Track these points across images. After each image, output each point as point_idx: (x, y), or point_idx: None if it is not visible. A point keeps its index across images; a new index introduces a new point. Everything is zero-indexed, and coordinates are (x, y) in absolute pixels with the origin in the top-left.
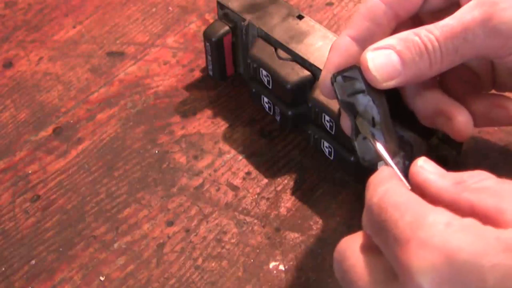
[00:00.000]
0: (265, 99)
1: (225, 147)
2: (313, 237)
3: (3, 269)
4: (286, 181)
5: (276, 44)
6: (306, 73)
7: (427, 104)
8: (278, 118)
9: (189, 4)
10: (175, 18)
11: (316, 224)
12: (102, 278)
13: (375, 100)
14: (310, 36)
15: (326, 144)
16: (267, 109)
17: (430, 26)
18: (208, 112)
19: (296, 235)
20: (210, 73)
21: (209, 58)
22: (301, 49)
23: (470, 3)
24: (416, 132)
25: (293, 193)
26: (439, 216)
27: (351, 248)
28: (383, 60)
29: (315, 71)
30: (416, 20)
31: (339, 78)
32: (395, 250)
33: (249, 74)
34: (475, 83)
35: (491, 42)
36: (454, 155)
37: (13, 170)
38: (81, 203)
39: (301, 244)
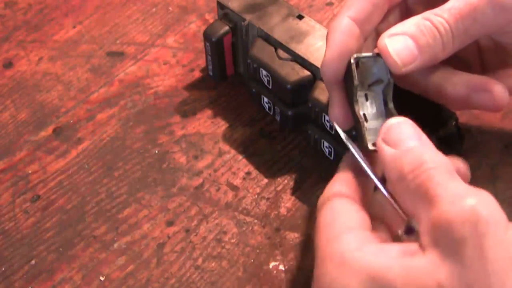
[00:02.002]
0: (265, 99)
1: (225, 147)
2: (313, 237)
3: (3, 269)
4: (286, 181)
5: (276, 44)
6: (306, 73)
7: (459, 87)
8: (278, 118)
9: (189, 4)
10: (175, 18)
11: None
12: (102, 278)
13: (390, 89)
14: (310, 36)
15: (326, 144)
16: (267, 109)
17: (437, 10)
18: (208, 112)
19: (296, 235)
20: (210, 73)
21: (209, 58)
22: (301, 49)
23: None
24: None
25: (293, 193)
26: (340, 246)
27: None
28: (401, 46)
29: (315, 71)
30: (402, 7)
31: (362, 61)
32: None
33: (249, 74)
34: (463, 68)
35: (499, 19)
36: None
37: (13, 170)
38: (81, 203)
39: (301, 244)
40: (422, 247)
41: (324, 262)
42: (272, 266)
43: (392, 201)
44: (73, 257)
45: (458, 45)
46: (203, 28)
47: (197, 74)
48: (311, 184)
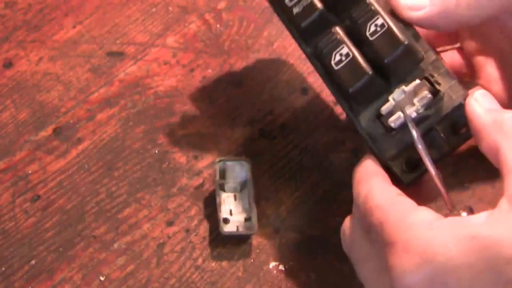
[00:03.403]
0: None
1: (225, 147)
2: (313, 237)
3: (3, 269)
4: (285, 181)
5: None
6: None
7: None
8: None
9: (189, 4)
10: (175, 18)
11: (316, 224)
12: (102, 278)
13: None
14: None
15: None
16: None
17: None
18: (208, 112)
19: (296, 235)
20: None
21: None
22: None
23: None
24: None
25: (293, 193)
26: (420, 217)
27: (351, 228)
28: None
29: None
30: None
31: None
32: (383, 252)
33: None
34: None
35: None
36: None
37: (13, 170)
38: (81, 203)
39: (301, 244)
40: (510, 204)
41: (408, 230)
42: (272, 266)
43: (445, 193)
44: (73, 257)
45: (475, 9)
46: (203, 28)
47: (197, 74)
48: (311, 184)
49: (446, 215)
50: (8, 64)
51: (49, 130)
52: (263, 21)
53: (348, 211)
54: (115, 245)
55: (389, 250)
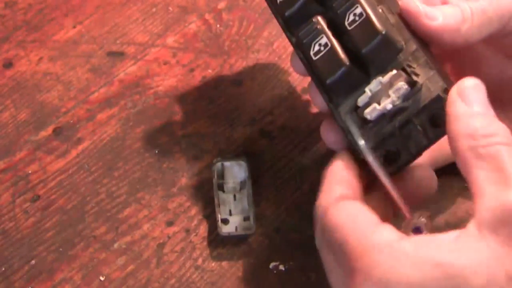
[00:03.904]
0: None
1: (225, 147)
2: (313, 237)
3: (3, 269)
4: (286, 181)
5: None
6: None
7: None
8: None
9: (189, 4)
10: (175, 18)
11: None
12: (102, 278)
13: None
14: None
15: None
16: None
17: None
18: (208, 112)
19: (296, 235)
20: None
21: None
22: None
23: None
24: None
25: (293, 193)
26: (382, 238)
27: (316, 231)
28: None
29: None
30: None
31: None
32: (346, 277)
33: None
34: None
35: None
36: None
37: (13, 170)
38: (81, 203)
39: (301, 244)
40: (479, 229)
41: (368, 254)
42: (272, 266)
43: (400, 202)
44: (73, 257)
45: (478, 25)
46: (203, 28)
47: (197, 74)
48: (311, 184)
49: (406, 225)
50: (8, 64)
51: (49, 130)
52: (263, 21)
53: None
54: (115, 245)
55: (351, 275)
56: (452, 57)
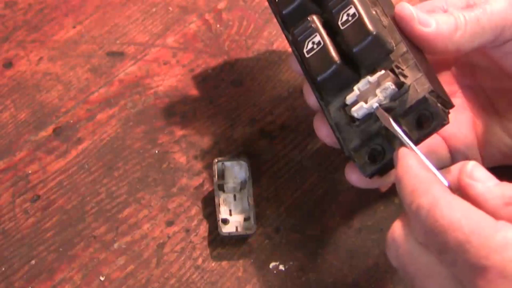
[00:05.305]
0: None
1: (225, 147)
2: (313, 237)
3: (3, 269)
4: (286, 181)
5: None
6: None
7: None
8: None
9: (189, 4)
10: (175, 18)
11: (316, 224)
12: (102, 278)
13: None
14: None
15: None
16: None
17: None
18: (208, 112)
19: (296, 235)
20: None
21: None
22: None
23: None
24: None
25: (293, 193)
26: (508, 235)
27: (407, 241)
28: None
29: None
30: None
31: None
32: (470, 277)
33: None
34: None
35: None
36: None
37: (13, 170)
38: (81, 203)
39: (301, 244)
40: None
41: (499, 251)
42: (272, 266)
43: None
44: (73, 257)
45: (470, 34)
46: (203, 28)
47: (197, 74)
48: (311, 184)
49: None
50: (8, 64)
51: (49, 130)
52: (263, 21)
53: (348, 211)
54: (115, 245)
55: (479, 274)
56: (453, 64)
